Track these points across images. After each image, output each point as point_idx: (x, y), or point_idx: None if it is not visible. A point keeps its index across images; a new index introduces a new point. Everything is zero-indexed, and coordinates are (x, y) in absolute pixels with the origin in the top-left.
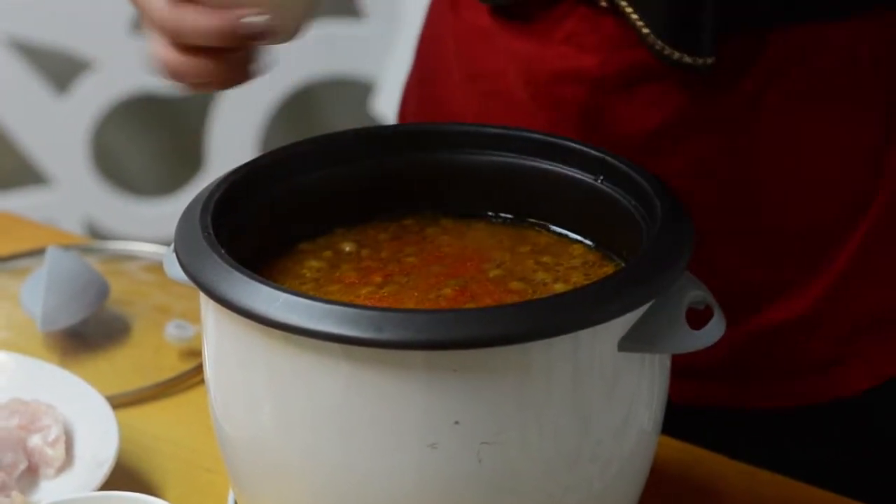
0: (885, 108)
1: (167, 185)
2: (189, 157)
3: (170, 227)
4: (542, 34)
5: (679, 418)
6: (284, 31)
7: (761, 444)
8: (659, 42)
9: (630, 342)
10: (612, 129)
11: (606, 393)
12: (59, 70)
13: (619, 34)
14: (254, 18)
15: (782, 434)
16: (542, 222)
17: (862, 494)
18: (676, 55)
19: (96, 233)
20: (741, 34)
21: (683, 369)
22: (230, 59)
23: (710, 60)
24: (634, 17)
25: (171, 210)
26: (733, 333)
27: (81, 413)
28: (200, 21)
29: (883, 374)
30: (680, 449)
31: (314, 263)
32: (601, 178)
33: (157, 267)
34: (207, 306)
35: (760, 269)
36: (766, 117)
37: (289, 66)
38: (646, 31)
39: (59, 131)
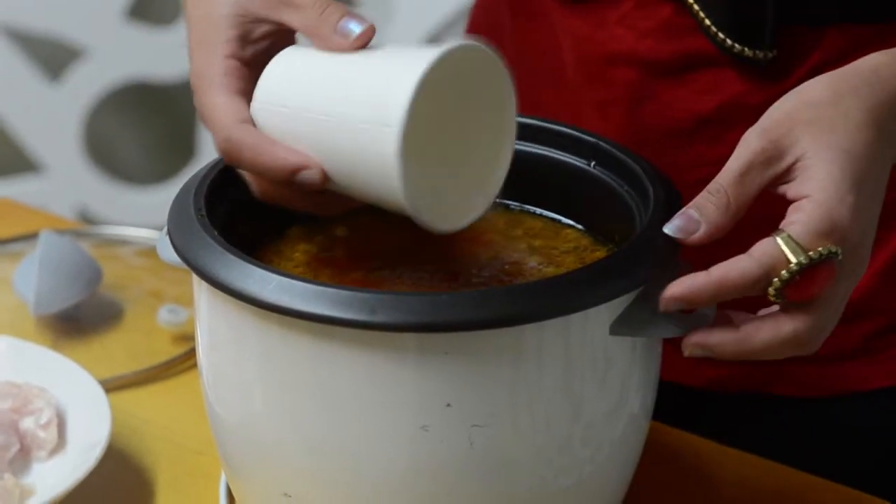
0: None
1: (160, 173)
2: (182, 146)
3: (162, 216)
4: (598, 14)
5: (707, 403)
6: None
7: (781, 433)
8: (720, 34)
9: (621, 326)
10: (662, 113)
11: (598, 377)
12: (53, 58)
13: (676, 21)
14: (307, 176)
15: (803, 424)
16: (534, 207)
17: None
18: (738, 47)
19: (88, 221)
20: (800, 28)
21: None
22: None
23: (771, 54)
24: (696, 7)
25: (163, 198)
26: None
27: (74, 396)
28: (256, 160)
29: None
30: (671, 434)
31: (307, 247)
32: (594, 163)
33: (150, 252)
34: (200, 289)
35: None
36: None
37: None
38: (707, 22)
39: (52, 119)
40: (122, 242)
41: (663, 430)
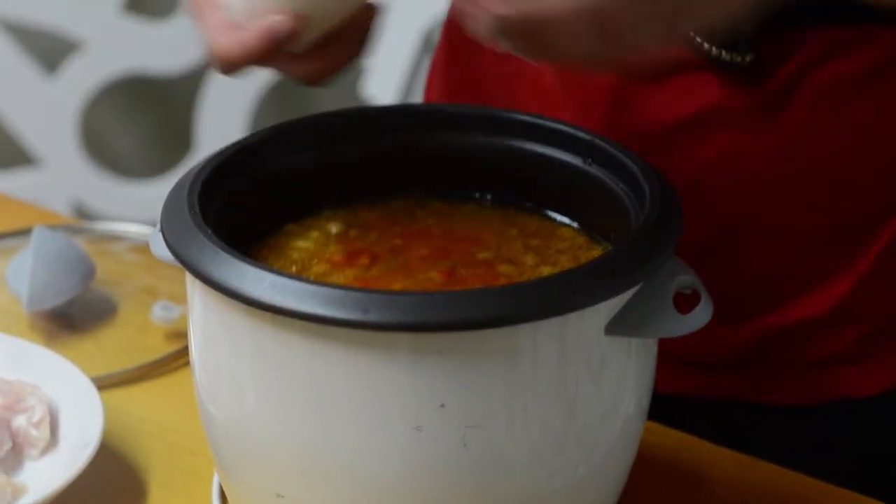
0: None
1: (156, 167)
2: (178, 140)
3: (158, 210)
4: None
5: (691, 411)
6: (316, 28)
7: (769, 441)
8: (698, 38)
9: (617, 326)
10: (642, 117)
11: (593, 377)
12: (49, 51)
13: None
14: (277, 27)
15: (792, 432)
16: (530, 205)
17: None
18: (715, 51)
19: (84, 214)
20: (780, 31)
21: (702, 362)
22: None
23: (748, 58)
24: None
25: (159, 192)
26: (755, 327)
27: (66, 394)
28: (234, 49)
29: None
30: (666, 434)
31: (301, 244)
32: (590, 160)
33: (143, 248)
34: (193, 287)
35: (785, 264)
36: (799, 110)
37: None
38: None
39: (47, 112)
40: (116, 238)
41: (658, 430)
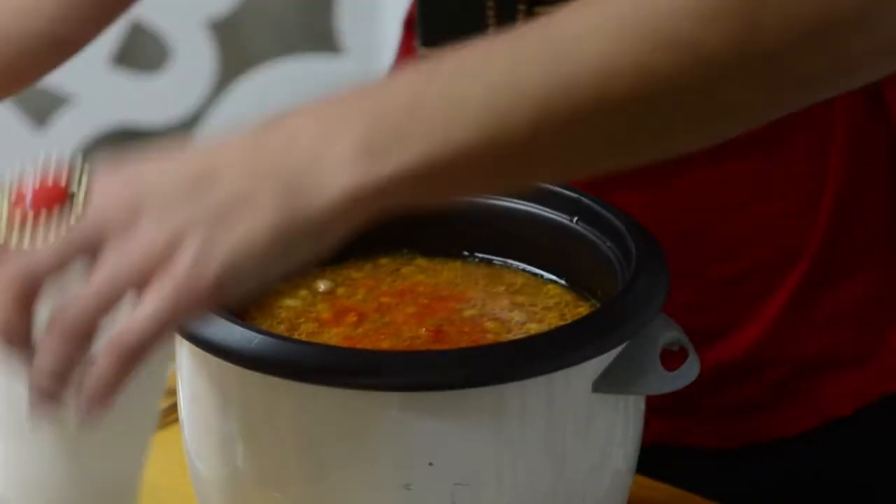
0: (818, 152)
1: None
2: None
3: None
4: None
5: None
6: None
7: (706, 481)
8: None
9: (604, 384)
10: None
11: (581, 434)
12: (38, 104)
13: None
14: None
15: (726, 471)
16: (517, 262)
17: None
18: None
19: None
20: None
21: None
22: None
23: None
24: None
25: None
26: None
27: None
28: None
29: (822, 417)
30: (655, 488)
31: (290, 302)
32: (576, 218)
33: None
34: (182, 345)
35: (697, 314)
36: (698, 165)
37: (268, 100)
38: None
39: None
40: None
41: (647, 483)
